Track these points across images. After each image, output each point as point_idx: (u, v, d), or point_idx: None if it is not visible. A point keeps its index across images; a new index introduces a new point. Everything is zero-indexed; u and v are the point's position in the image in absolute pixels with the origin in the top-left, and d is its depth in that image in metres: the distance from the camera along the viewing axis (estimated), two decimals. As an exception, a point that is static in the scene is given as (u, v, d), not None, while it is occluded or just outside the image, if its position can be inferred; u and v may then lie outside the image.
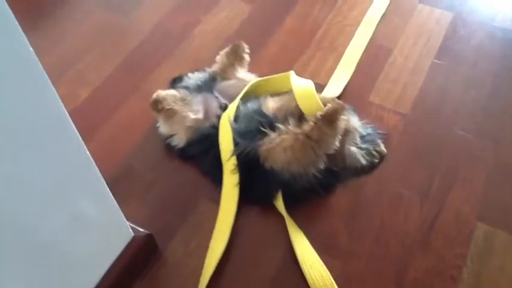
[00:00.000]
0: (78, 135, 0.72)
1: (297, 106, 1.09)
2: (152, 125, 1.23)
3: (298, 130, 1.02)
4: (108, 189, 0.84)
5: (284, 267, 0.99)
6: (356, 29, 1.46)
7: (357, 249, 1.01)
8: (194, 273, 0.98)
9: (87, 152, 0.76)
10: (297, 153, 1.00)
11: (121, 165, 1.19)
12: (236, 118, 1.11)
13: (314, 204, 1.08)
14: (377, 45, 1.41)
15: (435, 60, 1.35)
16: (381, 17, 1.49)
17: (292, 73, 1.18)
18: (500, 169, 1.12)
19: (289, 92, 1.15)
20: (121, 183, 1.15)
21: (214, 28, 1.51)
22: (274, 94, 1.17)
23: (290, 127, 1.03)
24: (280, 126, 1.03)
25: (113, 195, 1.11)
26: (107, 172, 1.14)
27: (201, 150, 1.14)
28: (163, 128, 1.19)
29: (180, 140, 1.15)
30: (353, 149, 1.09)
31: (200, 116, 1.15)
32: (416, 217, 1.05)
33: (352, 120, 1.11)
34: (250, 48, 1.36)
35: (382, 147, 1.14)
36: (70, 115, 1.26)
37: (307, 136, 1.00)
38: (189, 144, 1.14)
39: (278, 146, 1.01)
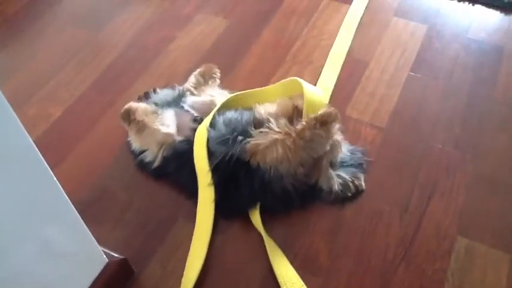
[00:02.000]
0: (44, 162, 0.69)
1: (292, 110, 1.08)
2: (126, 143, 1.20)
3: (291, 129, 1.01)
4: (78, 216, 0.81)
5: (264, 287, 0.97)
6: (331, 42, 1.45)
7: (337, 266, 0.99)
8: (172, 297, 0.95)
9: (55, 180, 0.73)
10: (289, 152, 0.99)
11: (95, 186, 1.15)
12: (213, 127, 1.09)
13: (293, 221, 1.06)
14: (353, 59, 1.41)
15: (411, 73, 1.36)
16: (357, 31, 1.49)
17: (297, 79, 1.15)
18: (479, 180, 1.12)
19: (281, 99, 1.14)
20: (95, 205, 1.12)
21: (190, 43, 1.50)
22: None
23: (282, 125, 1.01)
24: (272, 124, 1.02)
25: (87, 217, 1.08)
26: (81, 193, 1.13)
27: (177, 166, 1.11)
28: (134, 142, 1.16)
29: (153, 155, 1.13)
30: (330, 171, 1.07)
31: (172, 130, 1.13)
32: (397, 232, 1.04)
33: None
34: (226, 63, 1.37)
35: (362, 182, 1.10)
36: (42, 135, 1.26)
37: (300, 136, 0.99)
38: (165, 162, 1.12)
39: (269, 142, 1.00)
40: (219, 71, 1.32)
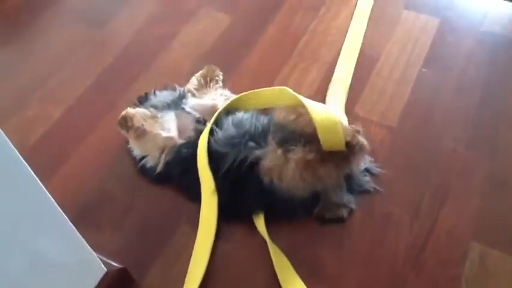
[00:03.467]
0: (32, 172, 0.66)
1: (309, 127, 0.95)
2: (127, 145, 1.17)
3: (310, 157, 0.93)
4: (71, 225, 0.78)
5: (268, 296, 0.93)
6: (339, 38, 1.40)
7: (345, 274, 0.95)
8: (173, 306, 0.92)
9: (44, 190, 0.69)
10: (304, 180, 0.94)
11: (95, 189, 1.12)
12: (220, 128, 1.05)
13: (298, 227, 1.02)
14: (362, 55, 1.35)
15: (423, 69, 1.30)
16: (366, 26, 1.43)
17: (288, 89, 1.06)
18: (494, 182, 1.07)
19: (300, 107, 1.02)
20: (95, 210, 1.09)
21: (193, 40, 1.45)
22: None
23: (301, 150, 0.94)
24: (293, 147, 0.95)
25: (86, 222, 1.06)
26: (80, 197, 1.11)
27: (180, 171, 1.07)
28: (135, 149, 1.13)
29: (154, 161, 1.09)
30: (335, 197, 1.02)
31: (173, 134, 1.09)
32: (407, 238, 0.99)
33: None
34: (230, 60, 1.33)
35: (345, 213, 1.01)
36: (42, 137, 1.23)
37: (317, 169, 0.94)
38: (167, 167, 1.08)
39: (285, 168, 0.94)
40: (221, 73, 1.28)
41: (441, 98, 1.23)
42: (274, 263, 0.95)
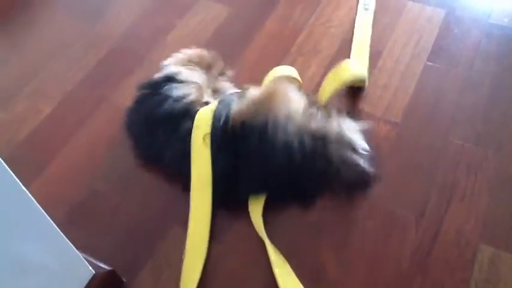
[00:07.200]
0: (13, 176, 0.61)
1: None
2: (119, 143, 1.12)
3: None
4: (56, 228, 0.73)
5: (266, 301, 0.88)
6: (342, 30, 1.34)
7: (347, 278, 0.90)
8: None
9: (27, 193, 0.65)
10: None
11: (85, 187, 1.08)
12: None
13: (298, 227, 0.97)
14: (364, 48, 1.30)
15: (428, 63, 1.25)
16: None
17: None
18: (504, 181, 1.01)
19: None
20: (84, 209, 1.05)
21: (189, 33, 1.40)
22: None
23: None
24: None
25: (75, 222, 1.01)
26: (69, 198, 1.06)
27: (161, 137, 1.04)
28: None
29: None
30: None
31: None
32: (412, 240, 0.94)
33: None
34: (227, 54, 1.27)
35: (365, 166, 1.00)
36: (31, 133, 1.18)
37: None
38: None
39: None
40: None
41: (448, 92, 1.18)
42: (273, 266, 0.90)
